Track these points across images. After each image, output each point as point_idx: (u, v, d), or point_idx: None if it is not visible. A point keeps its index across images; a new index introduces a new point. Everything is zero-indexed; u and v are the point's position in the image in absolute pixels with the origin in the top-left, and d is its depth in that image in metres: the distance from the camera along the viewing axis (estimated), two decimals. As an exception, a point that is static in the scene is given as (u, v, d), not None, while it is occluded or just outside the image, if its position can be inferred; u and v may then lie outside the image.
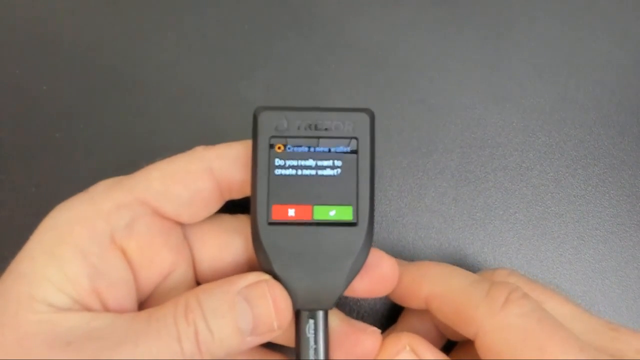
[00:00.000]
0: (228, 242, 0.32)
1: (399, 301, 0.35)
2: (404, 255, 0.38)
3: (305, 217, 0.30)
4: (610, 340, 0.31)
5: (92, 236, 0.29)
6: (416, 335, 0.31)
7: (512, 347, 0.28)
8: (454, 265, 0.34)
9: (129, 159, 0.32)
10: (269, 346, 0.33)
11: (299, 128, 0.30)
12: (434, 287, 0.32)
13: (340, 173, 0.30)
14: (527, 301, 0.29)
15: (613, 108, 0.40)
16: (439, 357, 0.31)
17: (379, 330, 0.32)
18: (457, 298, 0.31)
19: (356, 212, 0.30)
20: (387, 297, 0.35)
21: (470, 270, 0.33)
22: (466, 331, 0.30)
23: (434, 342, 0.32)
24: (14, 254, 0.29)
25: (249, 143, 0.31)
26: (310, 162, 0.30)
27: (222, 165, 0.31)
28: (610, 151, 0.40)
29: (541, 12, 0.41)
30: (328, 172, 0.30)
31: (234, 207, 0.33)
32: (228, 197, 0.32)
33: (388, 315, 0.38)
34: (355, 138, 0.30)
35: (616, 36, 0.41)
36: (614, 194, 0.39)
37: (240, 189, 0.32)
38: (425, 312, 0.34)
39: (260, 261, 0.30)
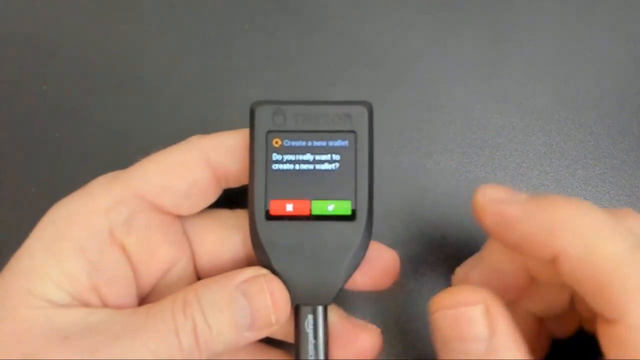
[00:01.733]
0: (227, 238, 0.32)
1: (517, 249, 0.28)
2: (405, 255, 0.38)
3: (304, 212, 0.30)
4: None
5: (91, 233, 0.29)
6: (498, 298, 0.26)
7: None
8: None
9: (128, 159, 0.32)
10: (269, 342, 0.33)
11: (296, 122, 0.30)
12: (573, 244, 0.25)
13: (339, 167, 0.30)
14: None
15: (613, 108, 0.40)
16: (515, 334, 0.26)
17: (379, 329, 0.32)
18: (604, 265, 0.24)
19: (355, 207, 0.30)
20: (381, 295, 0.35)
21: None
22: (604, 310, 0.24)
23: (517, 287, 0.28)
24: (14, 253, 0.29)
25: (246, 132, 0.31)
26: (308, 157, 0.30)
27: (219, 155, 0.31)
28: (610, 151, 0.40)
29: (541, 12, 0.41)
30: (326, 166, 0.30)
31: (232, 202, 0.33)
32: (225, 186, 0.32)
33: (383, 313, 0.38)
34: (353, 131, 0.30)
35: (616, 36, 0.41)
36: (614, 194, 0.39)
37: (237, 178, 0.32)
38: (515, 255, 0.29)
39: (258, 256, 0.30)
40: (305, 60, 0.41)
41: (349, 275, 0.30)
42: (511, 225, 0.27)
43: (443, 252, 0.38)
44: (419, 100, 0.40)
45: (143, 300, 0.32)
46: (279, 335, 0.32)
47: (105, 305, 0.30)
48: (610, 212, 0.27)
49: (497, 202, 0.27)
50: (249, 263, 0.32)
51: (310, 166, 0.30)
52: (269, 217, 0.30)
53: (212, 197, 0.32)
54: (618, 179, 0.39)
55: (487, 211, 0.27)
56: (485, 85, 0.40)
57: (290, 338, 0.31)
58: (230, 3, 0.42)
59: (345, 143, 0.30)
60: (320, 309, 0.30)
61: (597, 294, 0.24)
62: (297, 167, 0.30)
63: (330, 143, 0.30)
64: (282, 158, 0.30)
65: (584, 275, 0.25)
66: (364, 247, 0.30)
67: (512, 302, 0.29)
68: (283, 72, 0.41)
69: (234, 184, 0.32)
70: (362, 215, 0.30)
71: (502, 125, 0.40)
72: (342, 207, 0.30)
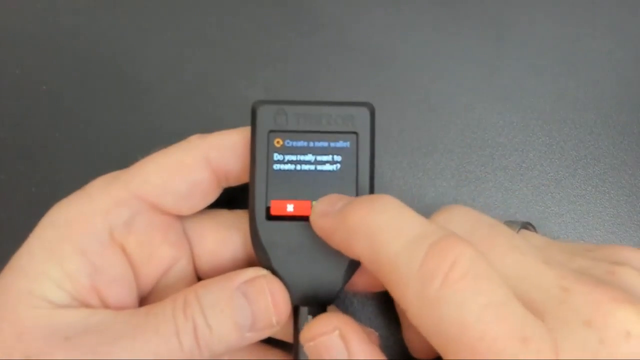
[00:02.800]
0: (226, 238, 0.32)
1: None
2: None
3: (304, 213, 0.30)
4: (584, 252, 0.28)
5: (91, 234, 0.29)
6: (352, 321, 0.28)
7: (445, 341, 0.24)
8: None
9: (128, 159, 0.32)
10: (269, 342, 0.33)
11: (298, 122, 0.30)
12: (363, 248, 0.26)
13: (340, 168, 0.30)
14: (470, 280, 0.23)
15: (613, 108, 0.40)
16: (372, 352, 0.28)
17: (377, 332, 0.32)
18: (386, 267, 0.25)
19: None
20: (380, 295, 0.35)
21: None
22: (398, 302, 0.26)
23: None
24: (14, 253, 0.29)
25: (245, 131, 0.31)
26: (310, 157, 0.30)
27: (219, 155, 0.31)
28: (610, 151, 0.40)
29: (541, 12, 0.41)
30: (327, 167, 0.30)
31: (232, 201, 0.33)
32: (225, 185, 0.32)
33: (378, 312, 0.38)
34: (355, 133, 0.30)
35: (616, 36, 0.41)
36: (614, 194, 0.39)
37: (237, 177, 0.32)
38: None
39: (258, 257, 0.30)
40: (305, 60, 0.41)
41: (349, 277, 0.30)
42: (328, 237, 0.28)
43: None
44: (419, 100, 0.40)
45: (143, 300, 0.32)
46: (279, 335, 0.32)
47: (105, 305, 0.30)
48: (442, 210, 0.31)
49: (319, 216, 0.29)
50: (248, 263, 0.32)
51: (312, 167, 0.30)
52: (270, 217, 0.30)
53: (213, 197, 0.32)
54: (618, 179, 0.39)
55: (313, 226, 0.29)
56: (485, 85, 0.40)
57: (290, 338, 0.31)
58: (230, 3, 0.41)
59: (347, 144, 0.30)
60: (319, 309, 0.30)
61: (388, 289, 0.26)
62: (298, 167, 0.30)
63: (332, 144, 0.30)
64: (284, 158, 0.30)
65: (377, 274, 0.26)
66: None
67: None
68: (283, 72, 0.41)
69: (234, 182, 0.32)
70: None
71: (502, 125, 0.40)
72: None
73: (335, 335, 0.27)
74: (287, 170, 0.30)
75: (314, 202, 0.29)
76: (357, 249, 0.26)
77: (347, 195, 0.29)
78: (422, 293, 0.24)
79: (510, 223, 0.32)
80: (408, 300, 0.24)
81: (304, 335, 0.28)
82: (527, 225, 0.33)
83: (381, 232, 0.26)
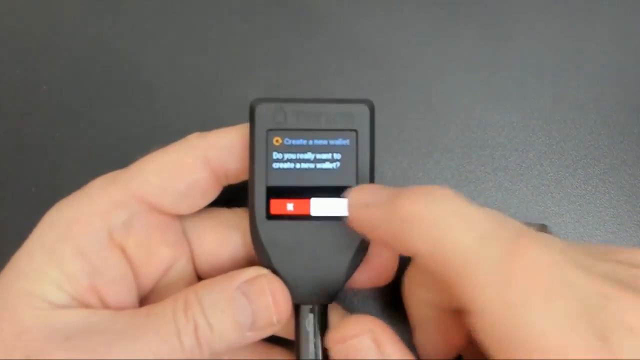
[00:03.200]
0: (226, 237, 0.32)
1: (389, 247, 0.29)
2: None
3: (304, 212, 0.30)
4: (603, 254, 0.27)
5: (91, 235, 0.29)
6: (383, 324, 0.27)
7: (514, 346, 0.22)
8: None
9: (128, 159, 0.32)
10: (271, 339, 0.33)
11: (297, 120, 0.30)
12: (423, 242, 0.24)
13: (340, 166, 0.30)
14: (558, 286, 0.23)
15: (613, 108, 0.40)
16: (404, 354, 0.27)
17: None
18: (453, 263, 0.24)
19: None
20: (379, 292, 0.35)
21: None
22: (460, 303, 0.24)
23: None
24: (14, 253, 0.30)
25: (244, 128, 0.31)
26: (309, 156, 0.30)
27: (218, 154, 0.31)
28: (610, 151, 0.40)
29: (541, 12, 0.41)
30: (327, 165, 0.30)
31: (232, 200, 0.33)
32: (225, 183, 0.32)
33: (378, 312, 0.38)
34: (355, 130, 0.30)
35: (616, 36, 0.41)
36: (614, 194, 0.39)
37: (237, 175, 0.31)
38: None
39: (259, 256, 0.30)
40: (304, 59, 0.41)
41: (350, 275, 0.30)
42: (371, 230, 0.27)
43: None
44: (419, 100, 0.40)
45: (143, 299, 0.32)
46: (281, 333, 0.32)
47: (105, 305, 0.30)
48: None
49: (360, 207, 0.27)
50: (248, 262, 0.32)
51: (311, 165, 0.30)
52: (270, 216, 0.30)
53: (212, 196, 0.32)
54: (618, 179, 0.39)
55: (352, 217, 0.28)
56: (485, 85, 0.40)
57: (291, 335, 0.31)
58: (230, 3, 0.41)
59: (347, 142, 0.30)
60: (321, 308, 0.30)
61: (451, 287, 0.24)
62: (297, 166, 0.30)
63: (332, 142, 0.30)
64: (283, 157, 0.30)
65: (437, 270, 0.24)
66: (365, 246, 0.30)
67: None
68: (282, 71, 0.41)
69: (234, 180, 0.32)
70: None
71: (502, 125, 0.40)
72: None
73: (368, 338, 0.27)
74: (287, 168, 0.30)
75: (350, 194, 0.28)
76: (414, 242, 0.25)
77: (387, 186, 0.28)
78: (503, 294, 0.23)
79: (527, 225, 0.31)
80: (480, 299, 0.23)
81: (333, 337, 0.28)
82: (543, 228, 0.32)
83: (448, 225, 0.24)
